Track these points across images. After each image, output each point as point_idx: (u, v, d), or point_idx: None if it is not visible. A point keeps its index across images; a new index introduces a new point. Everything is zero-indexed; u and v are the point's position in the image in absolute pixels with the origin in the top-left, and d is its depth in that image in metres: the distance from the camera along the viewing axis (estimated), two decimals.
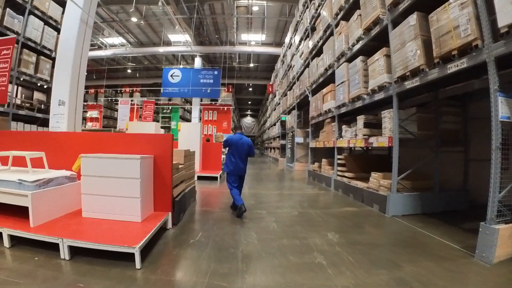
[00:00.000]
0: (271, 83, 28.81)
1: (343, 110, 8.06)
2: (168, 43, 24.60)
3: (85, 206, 3.85)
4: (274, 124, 25.97)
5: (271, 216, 5.26)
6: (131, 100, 17.47)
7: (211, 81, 22.50)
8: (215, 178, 9.92)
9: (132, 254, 2.90)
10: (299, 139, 14.63)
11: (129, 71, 31.56)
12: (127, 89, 33.53)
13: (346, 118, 8.87)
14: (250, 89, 42.41)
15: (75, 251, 3.17)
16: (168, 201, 4.28)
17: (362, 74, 6.87)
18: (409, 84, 5.14)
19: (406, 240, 4.14)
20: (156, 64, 30.51)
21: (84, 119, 27.91)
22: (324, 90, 9.45)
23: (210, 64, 29.47)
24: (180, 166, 5.20)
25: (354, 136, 7.30)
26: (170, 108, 30.88)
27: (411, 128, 5.89)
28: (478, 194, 6.30)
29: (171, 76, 23.30)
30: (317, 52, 10.78)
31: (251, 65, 28.94)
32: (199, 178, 9.63)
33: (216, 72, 22.75)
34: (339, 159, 8.24)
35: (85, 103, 28.60)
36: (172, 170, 4.36)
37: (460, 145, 6.58)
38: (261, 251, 3.53)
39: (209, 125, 29.66)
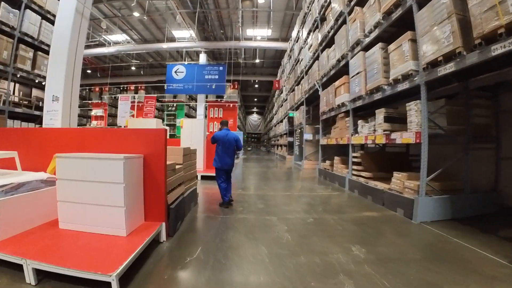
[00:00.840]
0: (277, 79, 28.13)
1: (358, 103, 7.36)
2: (172, 40, 24.03)
3: (61, 216, 3.24)
4: (281, 121, 25.28)
5: (282, 224, 4.59)
6: (133, 97, 16.77)
7: (216, 76, 21.91)
8: None
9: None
10: (308, 136, 13.94)
11: (133, 68, 31.15)
12: (132, 87, 33.21)
13: (361, 112, 8.18)
14: (256, 85, 41.67)
15: (44, 274, 2.57)
16: (162, 209, 3.63)
17: (381, 63, 6.17)
18: (442, 71, 4.42)
19: (442, 253, 3.47)
20: (161, 61, 30.01)
21: (89, 117, 27.65)
22: (337, 83, 8.76)
23: (215, 60, 28.86)
24: (177, 167, 4.57)
25: (372, 132, 6.61)
26: (175, 105, 30.45)
27: (440, 122, 5.19)
28: (509, 196, 5.61)
29: (175, 72, 22.76)
30: (328, 43, 10.07)
31: (257, 60, 28.20)
32: (203, 178, 9.01)
33: (221, 68, 22.15)
34: (354, 157, 7.55)
35: (89, 101, 28.43)
36: (166, 172, 3.72)
37: (491, 142, 5.89)
38: (274, 274, 2.86)
39: (215, 122, 29.20)
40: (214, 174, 9.27)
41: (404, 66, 5.34)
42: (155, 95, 17.65)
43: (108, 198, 3.08)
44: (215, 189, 7.73)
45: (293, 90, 17.55)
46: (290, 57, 19.66)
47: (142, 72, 32.42)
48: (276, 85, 27.30)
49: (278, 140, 29.18)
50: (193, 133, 9.61)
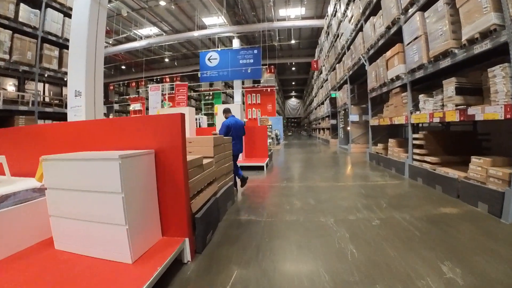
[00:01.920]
0: (315, 59, 26.65)
1: (419, 74, 6.17)
2: (203, 27, 23.46)
3: (55, 235, 2.63)
4: (322, 103, 23.93)
5: (341, 228, 3.68)
6: (163, 86, 16.27)
7: (251, 60, 21.08)
8: (260, 168, 8.60)
9: None
10: (354, 117, 12.74)
11: (166, 60, 31.20)
12: (167, 79, 33.41)
13: (419, 86, 6.98)
14: (293, 68, 40.29)
15: None
16: (183, 220, 2.84)
17: (448, 21, 4.97)
18: None
19: None
20: (194, 50, 29.71)
21: (128, 112, 28.27)
22: (388, 54, 7.56)
23: (249, 45, 27.85)
24: (206, 162, 3.84)
25: (439, 108, 5.46)
26: (212, 94, 30.19)
27: None
28: None
29: (209, 59, 22.26)
30: (372, 10, 8.80)
31: (293, 41, 26.89)
32: (241, 168, 8.36)
33: (255, 51, 21.26)
34: (415, 138, 6.42)
35: (127, 97, 29.06)
36: (186, 171, 2.93)
37: None
38: None
39: (253, 108, 28.52)
40: (254, 164, 8.78)
41: (482, 20, 4.15)
42: (187, 83, 16.85)
43: (105, 213, 2.37)
44: (256, 181, 7.11)
45: (334, 68, 16.23)
46: (328, 34, 18.23)
47: (176, 63, 32.42)
48: (315, 65, 25.86)
49: (319, 123, 27.84)
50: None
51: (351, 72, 12.10)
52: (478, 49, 4.34)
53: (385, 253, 2.93)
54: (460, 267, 2.56)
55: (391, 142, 7.91)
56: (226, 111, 6.10)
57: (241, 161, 8.66)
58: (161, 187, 2.85)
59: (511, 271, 2.47)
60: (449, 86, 5.04)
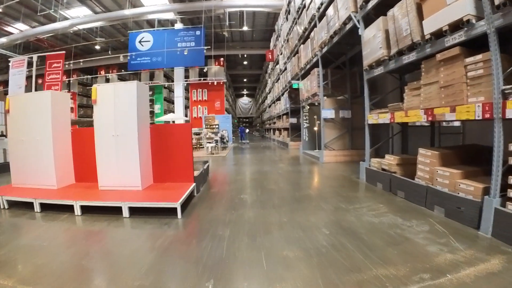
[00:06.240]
0: (270, 49, 23.11)
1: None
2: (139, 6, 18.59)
3: None
4: (278, 99, 20.37)
5: None
6: (30, 58, 11.22)
7: (193, 44, 16.75)
8: (165, 212, 4.15)
9: None
10: (327, 113, 9.18)
11: (97, 47, 25.49)
12: (103, 71, 27.82)
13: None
14: (245, 62, 36.52)
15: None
16: None
17: None
18: None
19: None
20: None
21: None
22: None
23: None
24: None
25: None
26: (152, 89, 25.37)
27: None
28: None
29: (140, 42, 17.48)
30: None
31: (245, 28, 23.09)
32: (135, 210, 4.19)
33: (198, 32, 16.83)
34: None
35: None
36: None
37: None
38: None
39: (199, 106, 24.27)
40: (152, 204, 4.45)
41: None
42: (63, 52, 11.52)
43: None
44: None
45: (296, 52, 12.65)
46: (289, 12, 14.65)
47: (111, 53, 26.61)
48: (269, 56, 22.34)
49: (274, 122, 24.32)
50: (119, 112, 4.74)
51: (326, 49, 8.50)
52: None
53: None
54: None
55: (428, 154, 4.31)
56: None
57: (132, 197, 4.47)
58: None
59: None
60: None
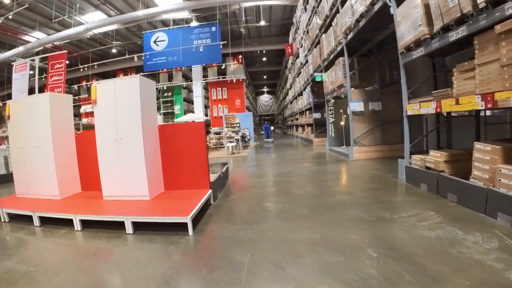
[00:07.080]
0: (289, 43, 22.32)
1: None
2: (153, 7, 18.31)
3: None
4: (300, 94, 19.57)
5: None
6: (32, 61, 10.86)
7: (208, 40, 16.29)
8: (175, 227, 3.58)
9: None
10: (356, 105, 8.39)
11: (114, 51, 25.51)
12: (121, 75, 28.11)
13: None
14: (264, 58, 35.74)
15: None
16: None
17: None
18: None
19: None
20: None
21: (79, 115, 23.21)
22: None
23: None
24: None
25: None
26: (171, 90, 25.38)
27: None
28: None
29: (155, 42, 17.18)
30: None
31: (262, 23, 22.46)
32: (141, 225, 3.64)
33: (213, 28, 16.34)
34: None
35: (77, 97, 23.85)
36: None
37: None
38: None
39: (219, 105, 23.84)
40: (162, 219, 3.78)
41: None
42: (65, 51, 10.74)
43: None
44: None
45: (318, 43, 11.86)
46: (307, 2, 13.88)
47: (127, 54, 26.67)
48: (289, 50, 21.56)
49: (297, 119, 23.50)
50: (121, 111, 4.22)
51: (351, 35, 7.72)
52: None
53: None
54: None
55: (487, 149, 3.52)
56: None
57: (136, 210, 3.97)
58: None
59: None
60: None
